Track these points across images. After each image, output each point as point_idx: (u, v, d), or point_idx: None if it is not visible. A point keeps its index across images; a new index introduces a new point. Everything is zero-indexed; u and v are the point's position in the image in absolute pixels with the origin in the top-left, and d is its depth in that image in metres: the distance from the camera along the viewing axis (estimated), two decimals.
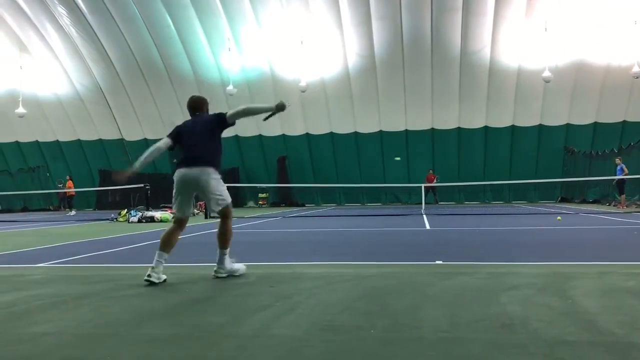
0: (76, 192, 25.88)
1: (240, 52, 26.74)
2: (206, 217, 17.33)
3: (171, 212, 17.74)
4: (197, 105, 5.51)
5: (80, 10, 26.32)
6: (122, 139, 31.25)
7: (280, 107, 5.37)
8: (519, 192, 27.63)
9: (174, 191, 5.29)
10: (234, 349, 2.93)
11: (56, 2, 26.11)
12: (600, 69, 25.29)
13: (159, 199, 22.08)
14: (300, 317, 3.62)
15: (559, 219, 13.26)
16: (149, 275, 4.94)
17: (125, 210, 17.41)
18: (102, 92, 29.76)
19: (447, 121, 27.61)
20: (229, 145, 26.65)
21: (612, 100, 25.81)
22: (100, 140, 31.47)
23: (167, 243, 5.17)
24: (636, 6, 23.21)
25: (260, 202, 29.35)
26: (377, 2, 24.40)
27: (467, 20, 24.69)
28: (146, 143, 30.53)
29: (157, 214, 16.33)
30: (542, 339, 2.97)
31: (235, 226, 5.38)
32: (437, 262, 6.16)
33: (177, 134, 5.39)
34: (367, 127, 28.37)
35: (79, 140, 31.69)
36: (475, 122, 27.49)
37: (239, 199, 27.58)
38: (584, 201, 24.49)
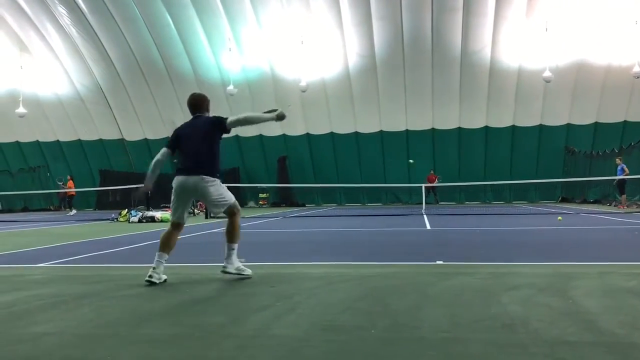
0: (77, 192, 25.88)
1: (241, 52, 26.74)
2: (206, 217, 17.33)
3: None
4: (197, 103, 5.46)
5: (81, 10, 26.32)
6: (123, 139, 31.26)
7: (280, 117, 5.32)
8: (519, 192, 27.62)
9: (172, 198, 5.31)
10: (235, 349, 2.92)
11: (56, 2, 26.11)
12: (600, 69, 25.28)
13: (160, 199, 22.09)
14: (301, 317, 3.61)
15: (559, 219, 13.25)
16: (150, 276, 4.94)
17: (126, 210, 17.41)
18: (103, 92, 29.77)
19: (448, 121, 27.61)
20: (229, 145, 26.74)
21: (612, 100, 25.80)
22: (100, 140, 31.48)
23: (166, 244, 5.19)
24: (636, 6, 23.20)
25: (260, 202, 29.35)
26: (377, 2, 24.40)
27: (468, 21, 24.68)
28: (146, 143, 30.59)
29: (158, 214, 16.33)
30: (542, 339, 2.97)
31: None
32: (438, 262, 6.16)
33: (176, 139, 5.40)
34: (368, 127, 28.36)
35: (79, 140, 31.69)
36: (476, 122, 27.48)
37: (240, 199, 27.21)
38: (585, 201, 24.47)
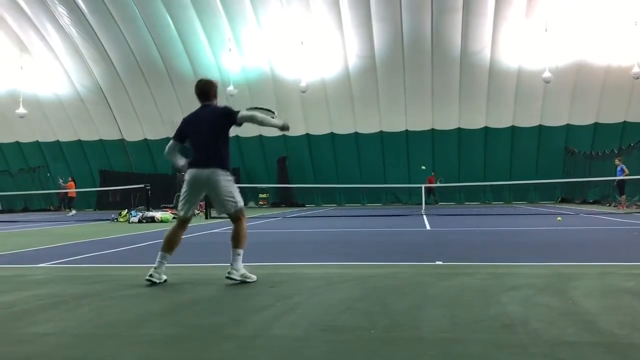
0: (77, 192, 25.86)
1: (241, 52, 26.75)
2: (206, 218, 17.33)
3: (172, 212, 17.75)
4: (205, 91, 5.29)
5: (81, 11, 26.33)
6: (123, 139, 31.28)
7: (286, 128, 5.29)
8: (519, 192, 27.63)
9: (183, 190, 5.20)
10: (235, 350, 2.93)
11: (56, 2, 26.12)
12: (600, 70, 25.30)
13: (160, 199, 22.10)
14: (301, 317, 3.62)
15: (559, 220, 13.25)
16: (150, 275, 4.92)
17: (126, 210, 17.41)
18: (103, 92, 29.77)
19: (448, 122, 27.62)
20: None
21: (612, 101, 25.82)
22: (100, 140, 31.49)
23: (170, 243, 5.12)
24: (636, 7, 23.22)
25: (260, 203, 29.35)
26: (377, 3, 24.41)
27: (468, 21, 24.70)
28: (146, 143, 30.61)
29: (158, 214, 16.33)
30: (542, 339, 2.97)
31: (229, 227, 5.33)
32: (438, 262, 6.17)
33: (184, 129, 5.28)
34: (368, 127, 28.38)
35: (79, 140, 31.70)
36: (476, 122, 27.50)
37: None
38: (584, 202, 24.49)
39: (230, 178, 5.15)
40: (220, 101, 5.46)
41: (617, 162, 19.46)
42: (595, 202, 23.60)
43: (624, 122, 26.32)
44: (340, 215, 18.67)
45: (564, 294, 4.17)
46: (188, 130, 5.26)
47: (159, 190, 23.35)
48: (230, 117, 5.13)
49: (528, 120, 27.14)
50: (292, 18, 25.32)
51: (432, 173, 27.17)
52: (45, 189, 30.32)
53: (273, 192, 29.75)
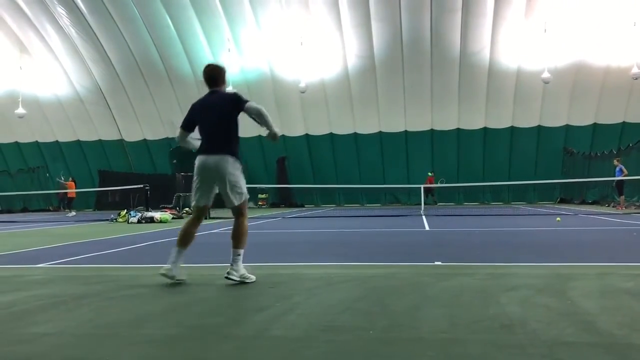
0: (76, 192, 25.85)
1: (240, 52, 26.76)
2: (205, 218, 17.31)
3: (171, 213, 17.76)
4: (213, 76, 5.21)
5: (80, 11, 26.33)
6: (122, 140, 31.28)
7: (275, 136, 5.13)
8: (518, 193, 27.64)
9: (194, 179, 5.11)
10: (234, 350, 2.93)
11: (56, 3, 26.12)
12: (599, 70, 25.32)
13: (159, 200, 22.08)
14: (300, 317, 3.62)
15: (558, 220, 13.26)
16: (167, 269, 4.87)
17: (125, 210, 17.40)
18: (102, 93, 29.78)
19: (447, 122, 27.64)
20: None
21: (611, 102, 25.85)
22: (99, 140, 31.49)
23: (185, 238, 5.02)
24: (635, 8, 23.25)
25: (259, 203, 29.34)
26: (376, 3, 24.42)
27: (467, 21, 24.72)
28: (145, 143, 30.62)
29: (157, 215, 16.33)
30: (541, 339, 2.98)
31: (229, 227, 5.31)
32: (437, 262, 6.17)
33: (192, 116, 5.19)
34: (367, 128, 28.39)
35: (78, 140, 31.71)
36: (475, 123, 27.52)
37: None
38: (583, 202, 24.51)
39: (239, 166, 5.07)
40: None
41: (616, 162, 19.48)
42: (594, 203, 23.63)
43: (623, 122, 26.35)
44: (339, 216, 18.68)
45: (562, 295, 4.18)
46: (196, 116, 5.18)
47: (158, 190, 23.32)
48: (238, 103, 5.02)
49: (527, 120, 27.16)
50: (291, 18, 25.33)
51: (432, 173, 27.18)
52: (45, 189, 30.31)
53: (272, 193, 29.74)
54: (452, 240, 9.29)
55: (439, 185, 26.54)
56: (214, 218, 16.33)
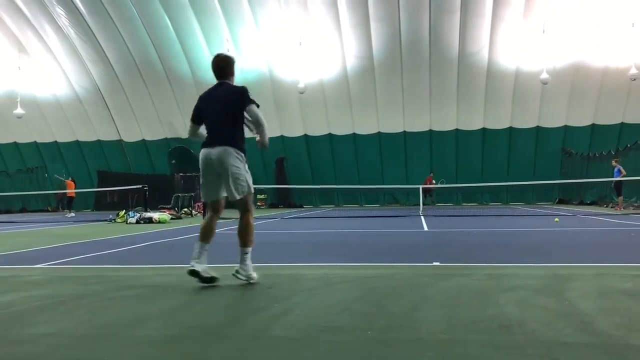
0: (75, 193, 25.83)
1: (239, 53, 26.72)
2: (204, 218, 17.31)
3: (169, 213, 17.75)
4: (221, 66, 5.14)
5: (79, 11, 26.31)
6: (121, 140, 31.24)
7: (264, 145, 5.10)
8: (516, 193, 27.67)
9: (200, 174, 5.04)
10: (233, 350, 2.94)
11: (55, 3, 26.10)
12: (597, 71, 25.35)
13: (157, 200, 22.08)
14: (299, 318, 3.62)
15: (556, 221, 13.28)
16: (192, 266, 4.77)
17: (124, 211, 17.40)
18: (101, 93, 29.75)
19: (445, 123, 27.65)
20: None
21: (609, 102, 25.88)
22: (98, 141, 31.46)
23: (206, 232, 4.92)
24: (633, 8, 23.28)
25: (258, 204, 29.31)
26: (375, 4, 24.43)
27: (465, 22, 24.73)
28: (144, 144, 30.58)
29: (155, 215, 16.32)
30: (539, 340, 2.98)
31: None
32: (435, 263, 6.17)
33: (199, 107, 5.11)
34: (366, 128, 28.39)
35: (77, 141, 31.68)
36: (473, 123, 27.53)
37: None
38: (582, 203, 24.55)
39: (243, 159, 4.92)
40: None
41: (614, 163, 19.51)
42: (592, 203, 23.66)
43: (621, 123, 26.38)
44: (338, 216, 18.68)
45: (561, 295, 4.19)
46: (202, 108, 5.08)
47: (156, 191, 23.34)
48: (243, 99, 4.91)
49: (526, 121, 27.18)
50: (290, 19, 25.33)
51: (431, 174, 27.18)
52: (43, 189, 30.29)
53: (271, 193, 29.74)
54: (450, 240, 9.30)
55: (437, 185, 26.53)
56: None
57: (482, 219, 15.21)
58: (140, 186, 19.64)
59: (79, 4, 25.94)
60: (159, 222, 15.80)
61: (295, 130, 28.67)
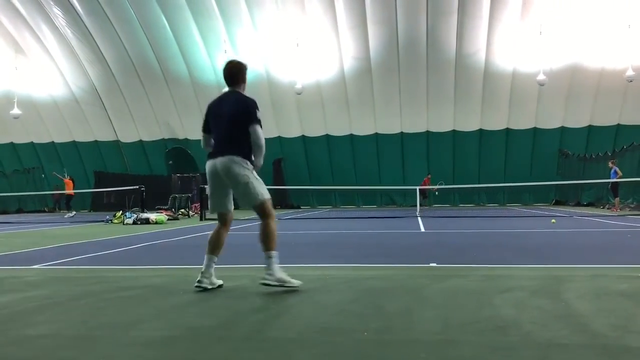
0: (74, 192, 25.78)
1: (236, 53, 26.69)
2: (201, 219, 17.31)
3: (166, 214, 17.73)
4: (233, 73, 4.98)
5: (76, 12, 26.26)
6: (118, 141, 31.19)
7: (257, 169, 4.94)
8: (513, 194, 27.72)
9: (207, 186, 4.97)
10: (228, 351, 2.94)
11: (52, 3, 26.04)
12: (594, 73, 25.41)
13: (154, 201, 22.04)
14: (295, 319, 3.63)
15: (553, 222, 13.30)
16: (199, 282, 4.69)
17: (121, 212, 17.37)
18: (98, 94, 29.69)
19: (442, 124, 27.68)
20: None
21: (606, 104, 25.94)
22: (95, 141, 31.40)
23: (216, 244, 4.84)
24: (630, 10, 23.34)
25: None
26: (372, 5, 24.44)
27: (463, 23, 24.76)
28: (141, 144, 30.53)
29: (152, 216, 16.29)
30: (535, 341, 2.99)
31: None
32: (432, 264, 6.18)
33: (208, 116, 5.00)
34: (363, 129, 28.39)
35: (74, 141, 31.60)
36: (470, 124, 27.56)
37: (236, 200, 27.60)
38: (578, 204, 24.60)
39: (249, 167, 4.78)
40: None
41: (610, 164, 19.56)
42: (589, 205, 23.71)
43: (618, 124, 26.46)
44: (335, 217, 18.68)
45: (557, 296, 4.20)
46: (210, 117, 4.99)
47: (153, 191, 23.30)
48: (250, 117, 4.76)
49: (522, 122, 27.23)
50: (287, 20, 25.32)
51: (429, 175, 27.18)
52: (40, 190, 30.22)
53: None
54: (447, 241, 9.31)
55: (433, 187, 26.53)
56: (209, 219, 16.29)
57: (479, 220, 15.23)
58: (137, 187, 19.60)
59: (76, 4, 25.89)
60: (156, 223, 15.77)
61: (292, 131, 28.67)
